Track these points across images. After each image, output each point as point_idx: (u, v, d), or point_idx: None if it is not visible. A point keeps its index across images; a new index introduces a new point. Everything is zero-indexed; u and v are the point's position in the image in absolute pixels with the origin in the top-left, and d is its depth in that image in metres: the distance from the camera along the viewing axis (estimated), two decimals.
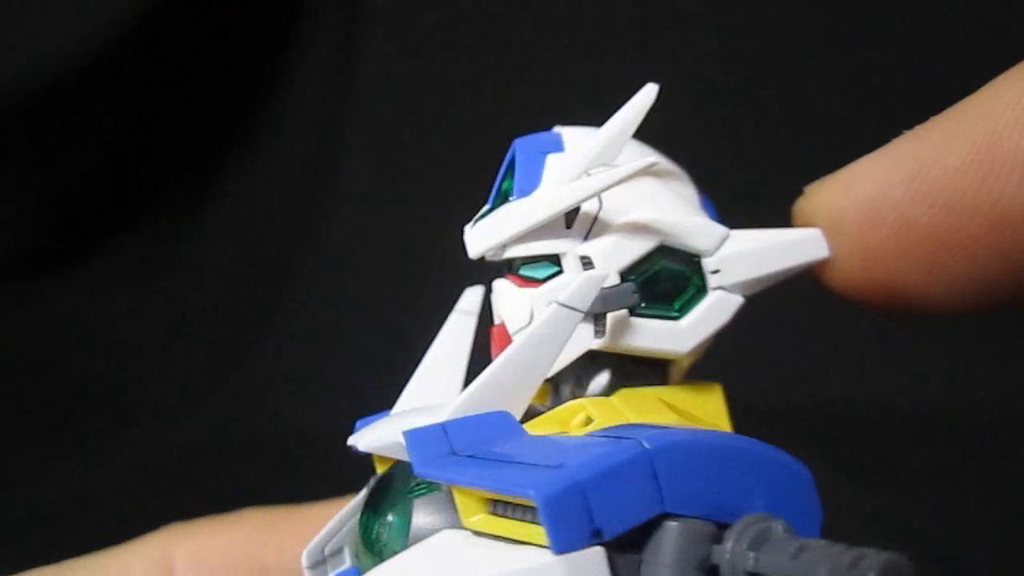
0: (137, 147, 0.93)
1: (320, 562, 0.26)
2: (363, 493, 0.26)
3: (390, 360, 0.84)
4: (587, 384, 0.26)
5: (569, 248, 0.25)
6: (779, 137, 0.85)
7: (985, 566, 0.58)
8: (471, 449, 0.23)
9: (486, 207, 0.27)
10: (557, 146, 0.26)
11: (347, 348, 0.88)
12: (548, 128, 0.28)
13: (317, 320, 0.90)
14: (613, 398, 0.25)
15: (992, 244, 0.24)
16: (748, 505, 0.22)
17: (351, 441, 0.25)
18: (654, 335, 0.25)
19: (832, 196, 0.26)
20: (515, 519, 0.21)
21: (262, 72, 0.94)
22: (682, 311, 0.25)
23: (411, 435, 0.23)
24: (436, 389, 0.27)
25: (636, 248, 0.25)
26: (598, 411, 0.24)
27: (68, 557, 0.35)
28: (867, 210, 0.25)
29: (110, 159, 0.93)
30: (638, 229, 0.25)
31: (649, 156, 0.26)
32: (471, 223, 0.26)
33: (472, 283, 0.30)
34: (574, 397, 0.26)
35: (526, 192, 0.25)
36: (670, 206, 0.26)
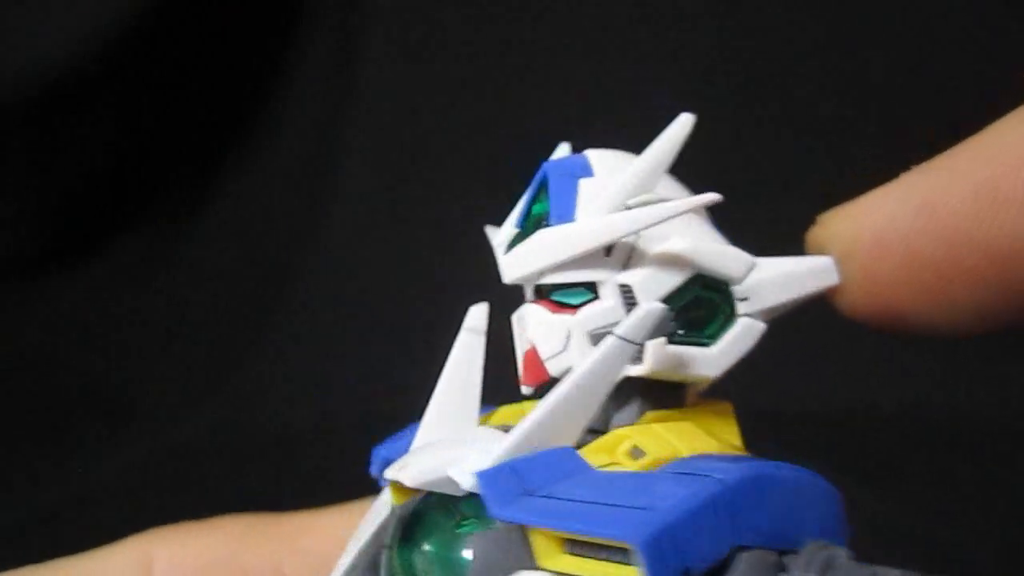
0: (137, 147, 0.93)
1: None
2: (373, 527, 0.26)
3: (390, 360, 0.84)
4: (615, 409, 0.26)
5: (608, 276, 0.25)
6: (779, 138, 0.85)
7: (988, 569, 0.58)
8: (545, 488, 0.23)
9: (513, 229, 0.27)
10: (586, 171, 0.26)
11: (347, 348, 0.88)
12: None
13: (317, 320, 0.90)
14: (655, 426, 0.25)
15: (991, 276, 0.25)
16: (802, 531, 0.23)
17: (390, 475, 0.25)
18: (689, 362, 0.25)
19: (844, 226, 0.27)
20: (596, 559, 0.21)
21: (262, 72, 0.94)
22: (713, 338, 0.26)
23: (484, 476, 0.23)
24: (457, 414, 0.27)
25: (674, 277, 0.25)
26: (646, 440, 0.25)
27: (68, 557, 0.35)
28: (876, 240, 0.26)
29: (110, 159, 0.93)
30: (675, 257, 0.25)
31: (673, 185, 0.27)
32: (502, 247, 0.26)
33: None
34: (601, 423, 0.26)
35: (563, 218, 0.25)
36: (702, 233, 0.26)
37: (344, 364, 0.86)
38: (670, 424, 0.26)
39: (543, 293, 0.26)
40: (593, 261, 0.25)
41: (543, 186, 0.27)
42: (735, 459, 0.24)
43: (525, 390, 0.27)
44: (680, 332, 0.25)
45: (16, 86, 0.85)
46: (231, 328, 0.92)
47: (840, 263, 0.27)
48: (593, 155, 0.27)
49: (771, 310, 0.26)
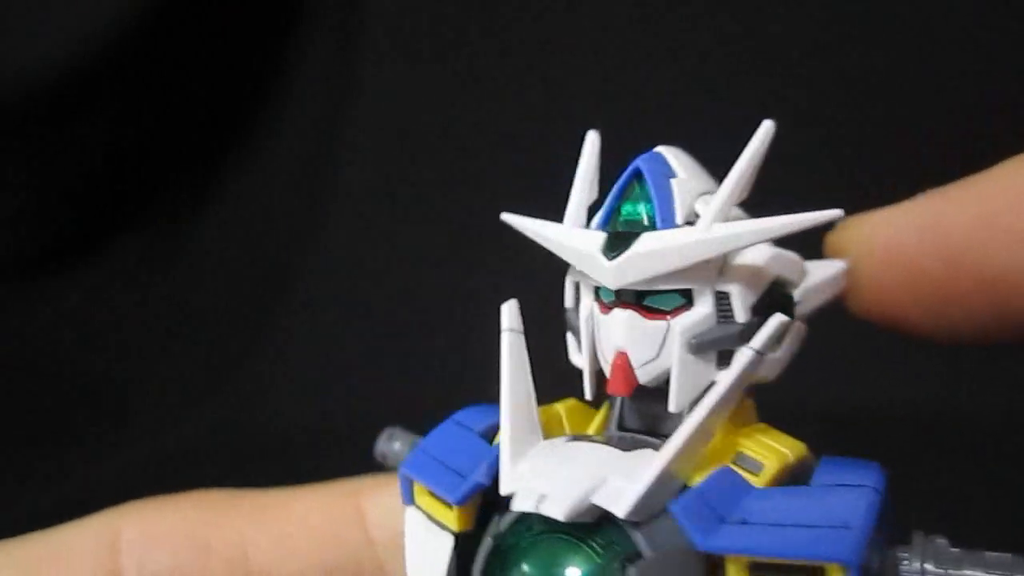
0: (137, 147, 0.93)
1: None
2: (444, 561, 0.25)
3: (390, 360, 0.84)
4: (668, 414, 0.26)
5: (705, 284, 0.25)
6: (782, 138, 0.84)
7: None
8: (735, 514, 0.23)
9: (603, 226, 0.26)
10: (672, 170, 0.27)
11: (347, 348, 0.88)
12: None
13: (317, 320, 0.90)
14: (758, 435, 0.26)
15: (984, 298, 0.28)
16: (887, 523, 0.24)
17: (535, 509, 0.24)
18: (763, 365, 0.26)
19: (861, 233, 0.30)
20: None
21: (262, 72, 0.94)
22: (779, 341, 0.26)
23: (682, 510, 0.23)
24: (526, 421, 0.26)
25: (762, 283, 0.26)
26: (757, 448, 0.25)
27: None
28: (885, 253, 0.29)
29: (110, 159, 0.93)
30: (760, 265, 0.26)
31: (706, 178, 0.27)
32: (605, 251, 0.25)
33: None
34: (644, 425, 0.27)
35: (668, 222, 0.25)
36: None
37: (344, 364, 0.86)
38: (761, 432, 0.26)
39: (634, 298, 0.26)
40: (696, 268, 0.25)
41: (630, 185, 0.26)
42: (854, 463, 0.26)
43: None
44: None
45: (16, 86, 0.85)
46: (231, 328, 0.92)
47: (853, 267, 0.29)
48: (668, 153, 0.27)
49: (811, 313, 0.27)
